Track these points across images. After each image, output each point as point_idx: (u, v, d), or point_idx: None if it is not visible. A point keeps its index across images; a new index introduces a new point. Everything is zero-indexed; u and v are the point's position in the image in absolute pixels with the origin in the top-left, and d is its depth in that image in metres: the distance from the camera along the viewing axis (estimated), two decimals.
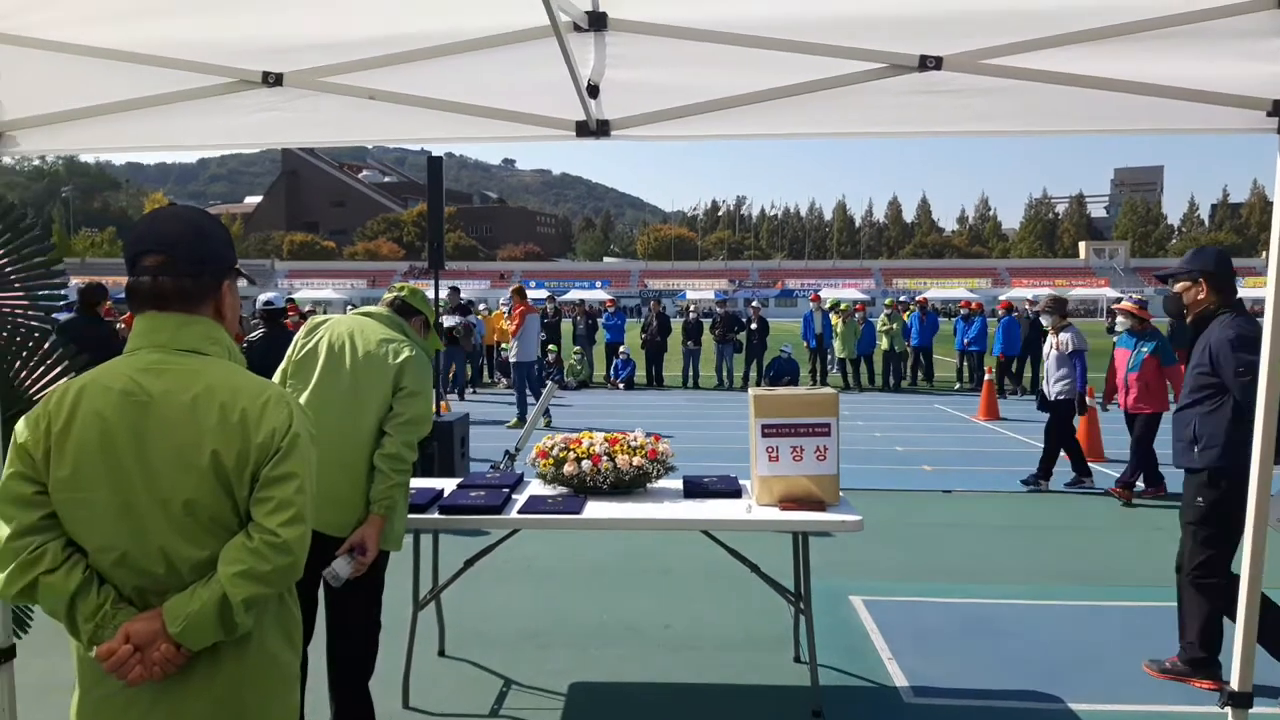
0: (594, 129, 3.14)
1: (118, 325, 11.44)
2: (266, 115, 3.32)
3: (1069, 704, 4.16)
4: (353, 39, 2.94)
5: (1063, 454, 8.90)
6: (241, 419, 1.90)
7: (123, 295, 2.05)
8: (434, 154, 9.22)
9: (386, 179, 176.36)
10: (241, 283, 2.30)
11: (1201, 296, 4.42)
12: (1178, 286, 4.53)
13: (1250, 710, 2.95)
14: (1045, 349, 9.07)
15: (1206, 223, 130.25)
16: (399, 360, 3.33)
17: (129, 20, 2.81)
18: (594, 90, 2.92)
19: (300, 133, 3.59)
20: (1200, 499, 4.31)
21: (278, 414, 1.94)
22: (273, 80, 3.09)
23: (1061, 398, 8.66)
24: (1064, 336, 8.75)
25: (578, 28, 2.79)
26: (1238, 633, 2.94)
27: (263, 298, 8.02)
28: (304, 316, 14.90)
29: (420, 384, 3.34)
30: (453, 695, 4.29)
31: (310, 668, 3.37)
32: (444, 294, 16.97)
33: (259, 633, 1.99)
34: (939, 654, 4.75)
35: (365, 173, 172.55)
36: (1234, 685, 2.95)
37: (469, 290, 17.22)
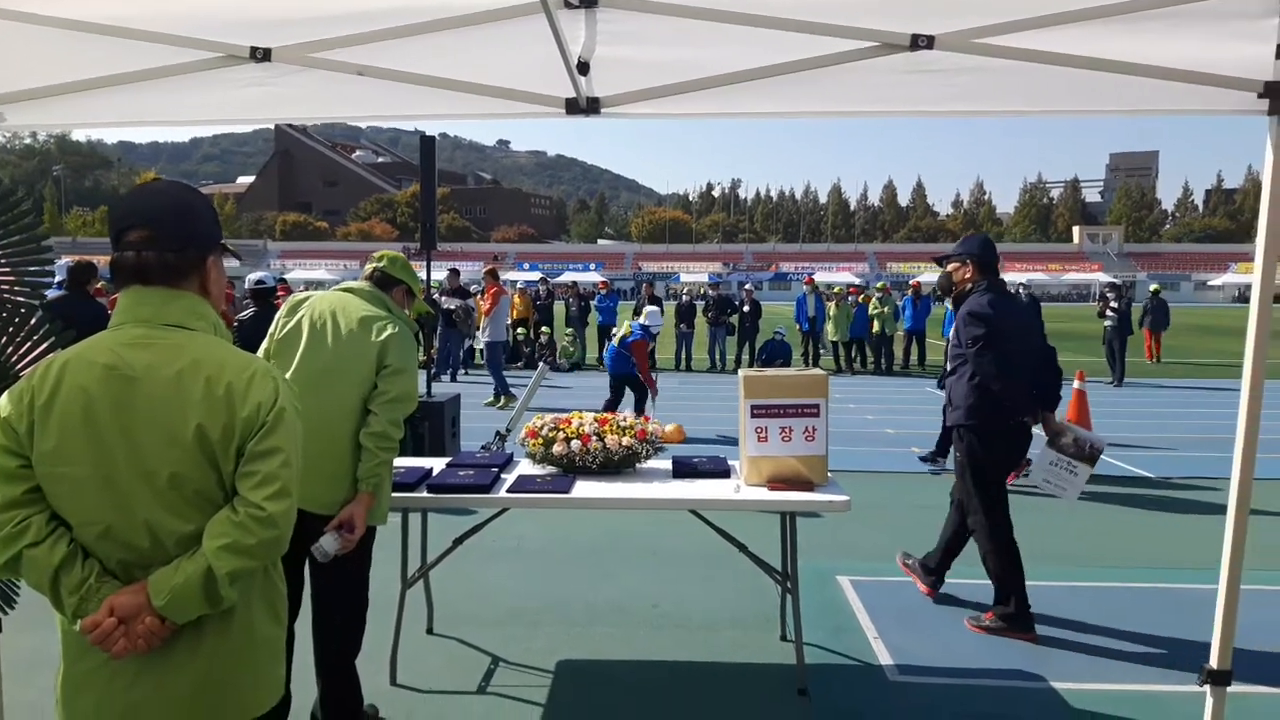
0: (584, 106, 3.12)
1: (106, 305, 11.40)
2: (255, 91, 3.30)
3: (1051, 683, 4.20)
4: (341, 13, 2.92)
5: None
6: (227, 392, 1.91)
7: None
8: (426, 133, 9.17)
9: (380, 159, 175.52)
10: (232, 262, 2.29)
11: (968, 276, 5.01)
12: (950, 267, 5.15)
13: (1229, 688, 2.99)
14: None
15: (1200, 208, 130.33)
16: (382, 338, 3.31)
17: None
18: (584, 67, 2.91)
19: (289, 109, 3.56)
20: (957, 453, 5.01)
21: (264, 388, 1.95)
22: (261, 55, 3.06)
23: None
24: None
25: (569, 4, 2.78)
26: (1218, 612, 2.97)
27: (253, 277, 7.98)
28: None
29: (404, 361, 3.32)
30: (440, 672, 4.31)
31: (297, 645, 3.39)
32: (443, 275, 16.92)
33: (244, 606, 2.00)
34: (924, 633, 4.79)
35: (359, 153, 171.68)
36: (1213, 664, 2.99)
37: (463, 273, 17.17)
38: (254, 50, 3.05)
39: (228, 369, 1.93)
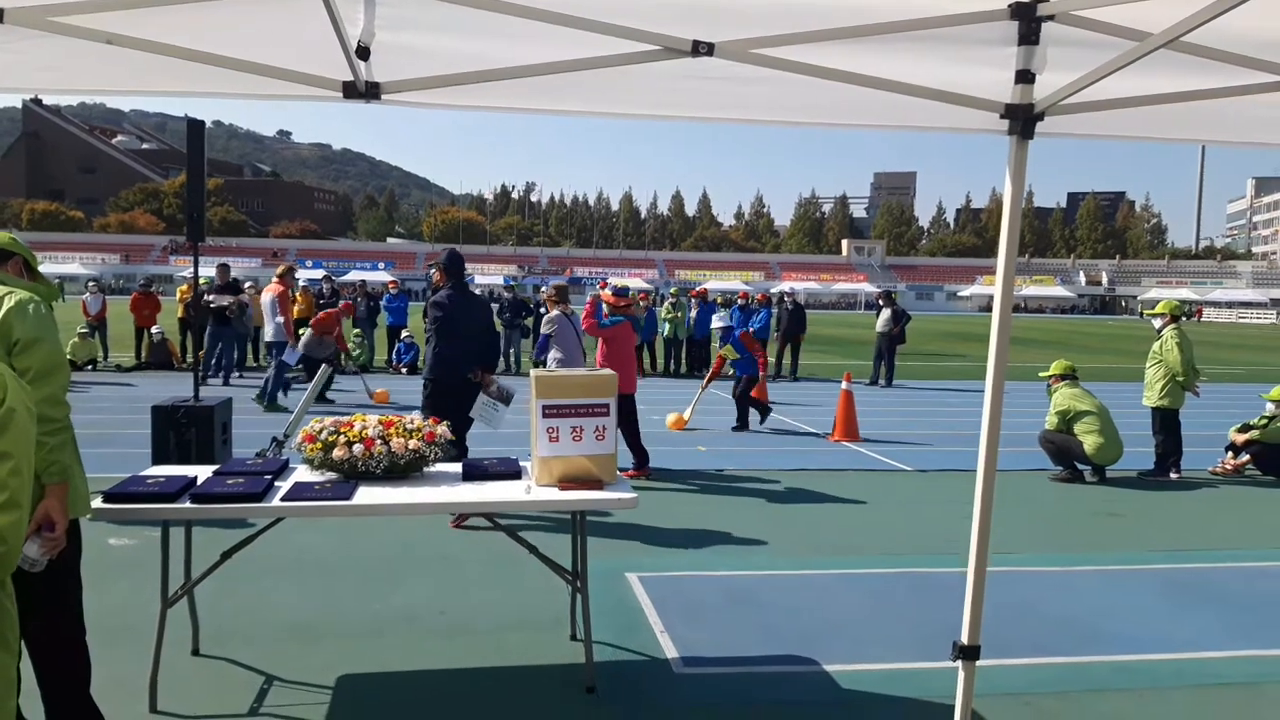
0: (363, 91, 3.00)
1: None
2: None
3: (823, 665, 4.45)
4: None
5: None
6: None
7: None
8: (195, 118, 8.47)
9: (145, 145, 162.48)
10: None
11: (438, 279, 7.19)
12: (433, 273, 7.33)
13: (978, 662, 3.26)
14: None
15: (952, 225, 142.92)
16: (1, 314, 2.91)
17: None
18: (364, 52, 2.79)
19: (29, 78, 3.22)
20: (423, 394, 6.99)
21: None
22: None
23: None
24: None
25: None
26: (967, 593, 3.23)
27: None
28: None
29: (35, 330, 2.92)
30: (207, 696, 4.01)
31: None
32: (211, 271, 15.83)
33: None
34: (708, 625, 4.94)
35: (120, 138, 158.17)
36: (964, 640, 3.25)
37: (238, 269, 16.04)
38: None
39: None
